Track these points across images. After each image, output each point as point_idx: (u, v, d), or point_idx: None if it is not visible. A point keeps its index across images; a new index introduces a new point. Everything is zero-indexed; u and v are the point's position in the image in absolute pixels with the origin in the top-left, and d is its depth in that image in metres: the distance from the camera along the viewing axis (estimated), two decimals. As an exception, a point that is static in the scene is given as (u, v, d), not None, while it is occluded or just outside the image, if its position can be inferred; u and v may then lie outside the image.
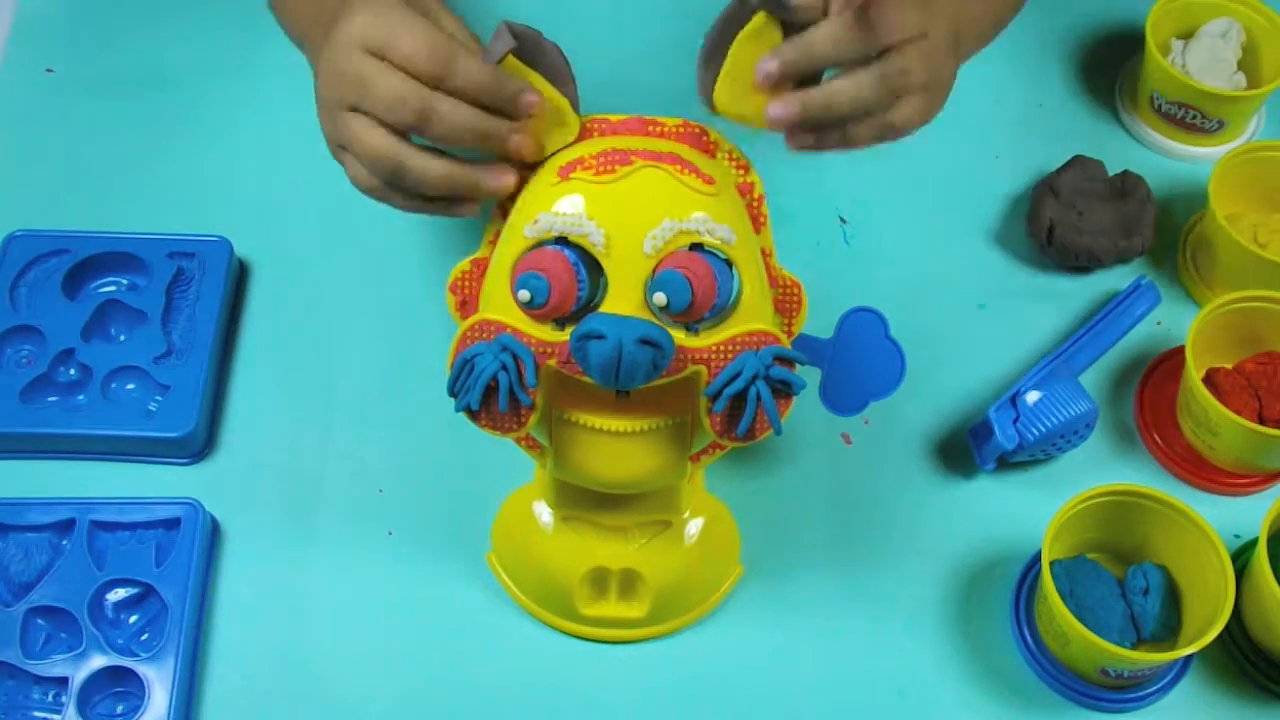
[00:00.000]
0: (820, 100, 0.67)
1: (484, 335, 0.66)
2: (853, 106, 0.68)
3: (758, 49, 0.67)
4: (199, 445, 0.84)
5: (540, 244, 0.66)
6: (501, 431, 0.67)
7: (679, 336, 0.65)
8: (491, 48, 0.66)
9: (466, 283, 0.71)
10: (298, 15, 0.80)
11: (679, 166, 0.66)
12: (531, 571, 0.79)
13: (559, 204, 0.66)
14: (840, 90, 0.68)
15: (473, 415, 0.67)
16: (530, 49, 0.67)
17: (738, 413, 0.66)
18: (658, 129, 0.69)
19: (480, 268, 0.70)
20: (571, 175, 0.66)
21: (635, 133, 0.69)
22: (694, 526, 0.77)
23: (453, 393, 0.67)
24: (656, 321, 0.65)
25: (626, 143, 0.68)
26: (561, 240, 0.66)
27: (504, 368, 0.65)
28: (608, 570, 0.76)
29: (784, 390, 0.66)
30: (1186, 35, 0.99)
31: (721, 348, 0.66)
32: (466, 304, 0.71)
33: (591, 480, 0.70)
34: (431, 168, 0.67)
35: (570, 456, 0.69)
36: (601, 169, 0.66)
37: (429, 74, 0.65)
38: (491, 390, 0.66)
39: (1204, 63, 0.97)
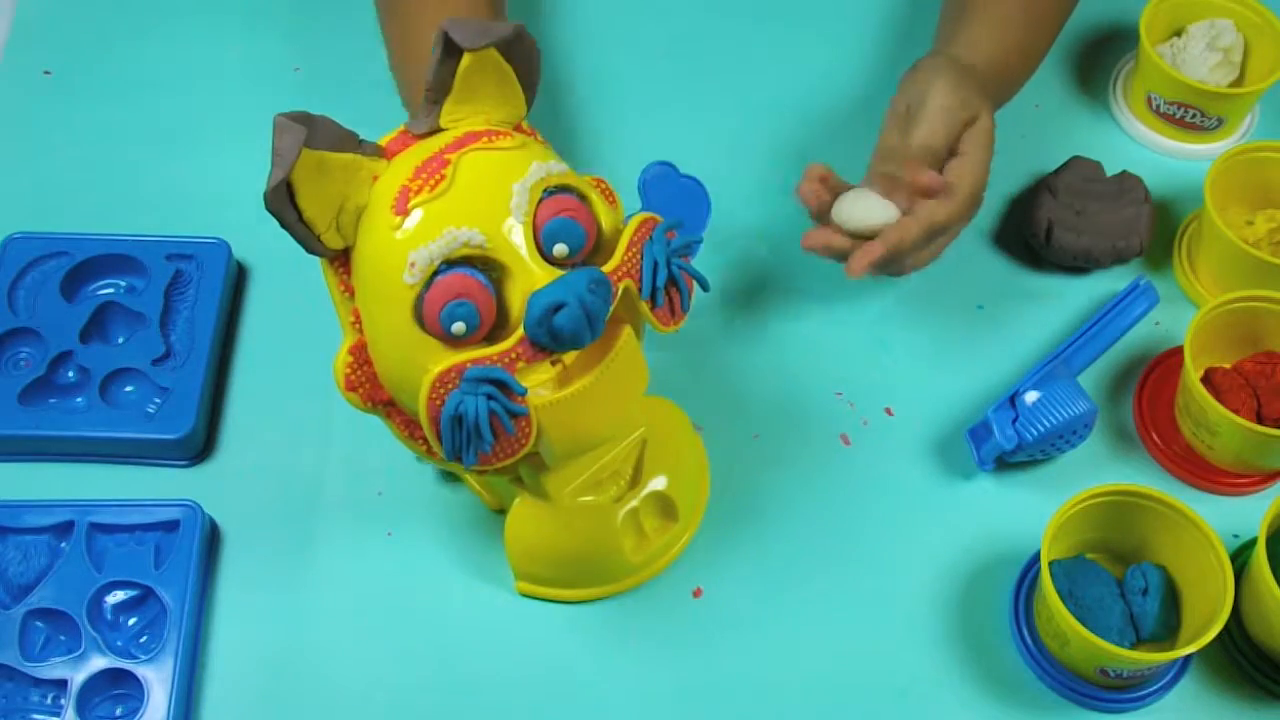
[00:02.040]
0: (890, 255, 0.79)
1: (450, 386, 0.65)
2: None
3: None
4: (198, 447, 0.84)
5: (429, 280, 0.64)
6: (513, 455, 0.67)
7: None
8: (475, 37, 0.65)
9: (357, 373, 0.69)
10: (390, 58, 0.86)
11: (485, 139, 0.67)
12: (573, 568, 0.79)
13: (418, 236, 0.64)
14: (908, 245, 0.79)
15: (485, 459, 0.66)
16: (508, 44, 0.67)
17: (674, 297, 0.69)
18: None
19: (361, 353, 0.69)
20: (409, 206, 0.65)
21: (410, 144, 0.68)
22: (651, 415, 0.78)
23: (457, 456, 0.66)
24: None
25: (423, 150, 0.67)
26: (447, 264, 0.65)
27: (490, 397, 0.65)
28: (635, 509, 0.77)
29: (689, 253, 0.70)
30: (1180, 33, 0.99)
31: (630, 257, 0.68)
32: (369, 394, 0.70)
33: (598, 436, 0.71)
34: None
35: (569, 429, 0.69)
36: (430, 182, 0.65)
37: None
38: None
39: (1198, 61, 0.97)
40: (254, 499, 0.83)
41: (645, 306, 0.69)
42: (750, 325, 0.89)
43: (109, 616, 0.78)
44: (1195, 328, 0.83)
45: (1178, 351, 0.87)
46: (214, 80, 1.01)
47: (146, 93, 1.00)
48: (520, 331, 0.65)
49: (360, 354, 0.69)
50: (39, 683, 0.75)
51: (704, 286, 0.71)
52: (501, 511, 0.80)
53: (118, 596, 0.78)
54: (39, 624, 0.77)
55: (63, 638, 0.77)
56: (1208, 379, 0.85)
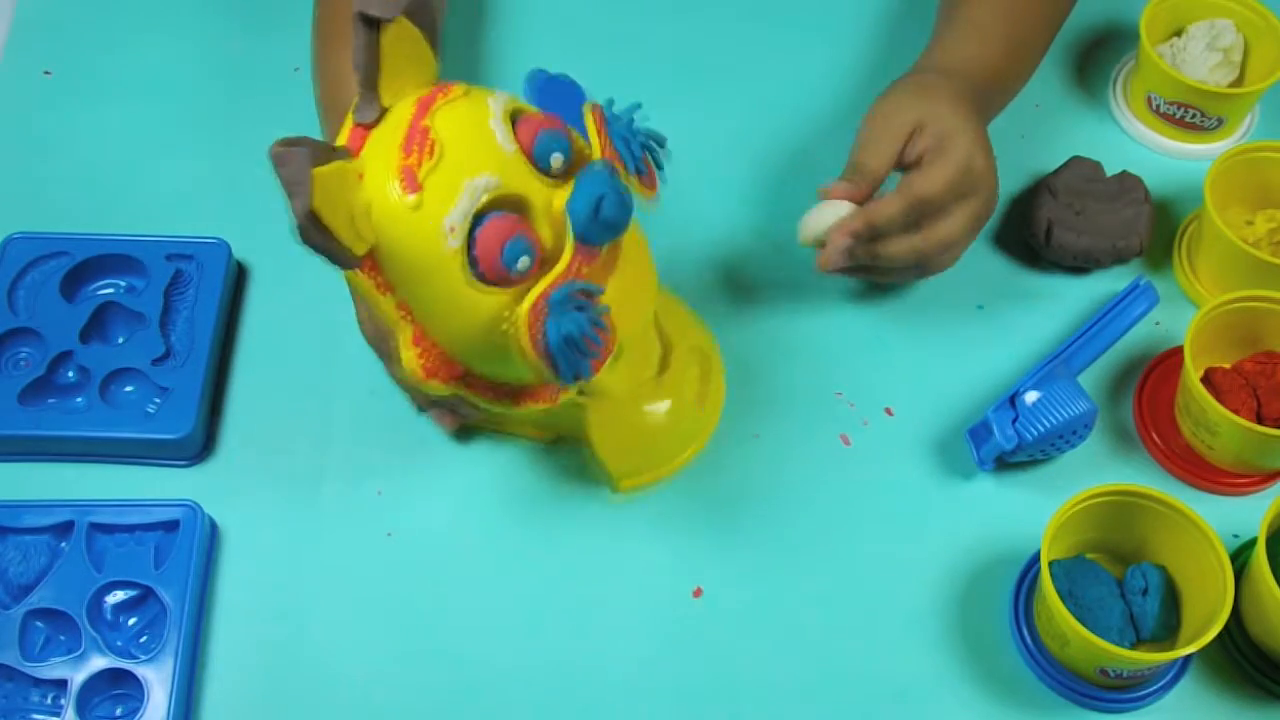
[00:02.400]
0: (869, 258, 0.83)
1: (541, 316, 0.66)
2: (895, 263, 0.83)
3: None
4: (198, 447, 0.84)
5: (470, 238, 0.66)
6: (610, 353, 0.69)
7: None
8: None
9: (429, 360, 0.70)
10: (317, 96, 0.86)
11: (438, 97, 0.67)
12: (658, 444, 0.83)
13: (440, 203, 0.65)
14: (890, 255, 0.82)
15: (596, 365, 0.69)
16: (417, 6, 0.67)
17: (647, 169, 0.72)
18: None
19: (424, 340, 0.69)
20: (417, 180, 0.65)
21: (365, 135, 0.68)
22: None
23: (576, 375, 0.68)
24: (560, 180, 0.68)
25: (390, 133, 0.67)
26: (475, 218, 0.66)
27: (580, 309, 0.67)
28: (677, 370, 0.83)
29: (635, 116, 0.72)
30: (1180, 33, 1.00)
31: (603, 141, 0.70)
32: (447, 374, 0.71)
33: (646, 316, 0.77)
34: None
35: (627, 316, 0.72)
36: (425, 153, 0.66)
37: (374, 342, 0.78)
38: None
39: (1198, 60, 0.97)
40: (254, 499, 0.83)
41: (634, 181, 0.71)
42: (750, 325, 0.89)
43: (109, 616, 0.78)
44: (1195, 328, 0.83)
45: (1178, 351, 0.87)
46: (214, 80, 1.01)
47: (146, 93, 1.00)
48: (570, 244, 0.67)
49: (423, 341, 0.69)
50: (39, 683, 0.75)
51: (662, 145, 0.73)
52: (559, 440, 0.84)
53: (118, 596, 0.78)
54: (39, 624, 0.77)
55: (63, 638, 0.77)
56: (1208, 379, 0.85)
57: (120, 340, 0.87)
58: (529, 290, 0.66)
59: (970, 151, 0.81)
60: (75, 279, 0.88)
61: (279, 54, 1.00)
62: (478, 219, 0.66)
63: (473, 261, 0.66)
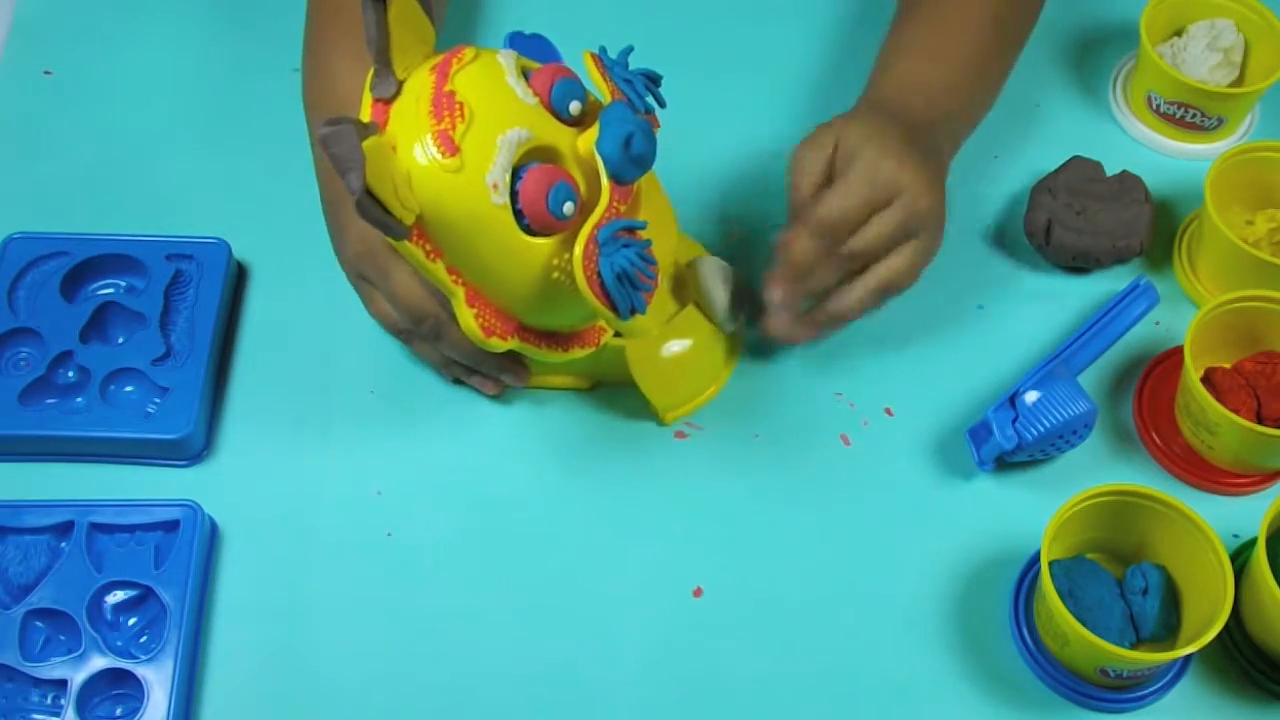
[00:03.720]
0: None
1: (593, 257, 0.68)
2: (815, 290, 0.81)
3: None
4: (198, 447, 0.84)
5: (513, 191, 0.68)
6: (658, 285, 0.72)
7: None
8: None
9: (485, 319, 0.72)
10: (307, 94, 0.87)
11: (454, 62, 0.69)
12: (697, 372, 0.85)
13: (480, 162, 0.67)
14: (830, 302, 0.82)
15: (649, 298, 0.71)
16: None
17: (649, 122, 0.73)
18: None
19: (477, 300, 0.72)
20: (454, 143, 0.67)
21: (387, 110, 0.70)
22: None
23: (632, 309, 0.70)
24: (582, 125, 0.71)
25: (414, 104, 0.68)
26: (515, 172, 0.68)
27: (626, 246, 0.69)
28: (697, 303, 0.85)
29: (626, 59, 0.75)
30: (1180, 33, 1.00)
31: (609, 85, 0.73)
32: (504, 330, 0.73)
33: (673, 248, 0.79)
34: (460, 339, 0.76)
35: (660, 250, 0.73)
36: (457, 116, 0.67)
37: (411, 321, 0.77)
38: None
39: (1198, 60, 0.97)
40: (254, 499, 0.83)
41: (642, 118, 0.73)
42: (750, 325, 0.89)
43: (109, 616, 0.78)
44: (1195, 328, 0.83)
45: (1178, 351, 0.87)
46: (214, 80, 1.01)
47: (147, 93, 1.00)
48: (607, 184, 0.69)
49: (478, 301, 0.72)
50: (39, 683, 0.75)
51: (657, 82, 0.75)
52: (599, 384, 0.86)
53: (118, 596, 0.78)
54: (39, 624, 0.77)
55: (63, 638, 0.77)
56: (1208, 379, 0.85)
57: (120, 340, 0.87)
58: (574, 235, 0.69)
59: (874, 159, 0.79)
60: (75, 279, 0.88)
61: (278, 54, 1.00)
62: (516, 172, 0.68)
63: (518, 214, 0.68)
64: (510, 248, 0.69)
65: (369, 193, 0.63)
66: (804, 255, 0.80)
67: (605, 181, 0.69)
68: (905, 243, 0.80)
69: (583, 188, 0.70)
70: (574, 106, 0.71)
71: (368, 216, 0.64)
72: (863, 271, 0.81)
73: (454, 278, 0.71)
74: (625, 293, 0.69)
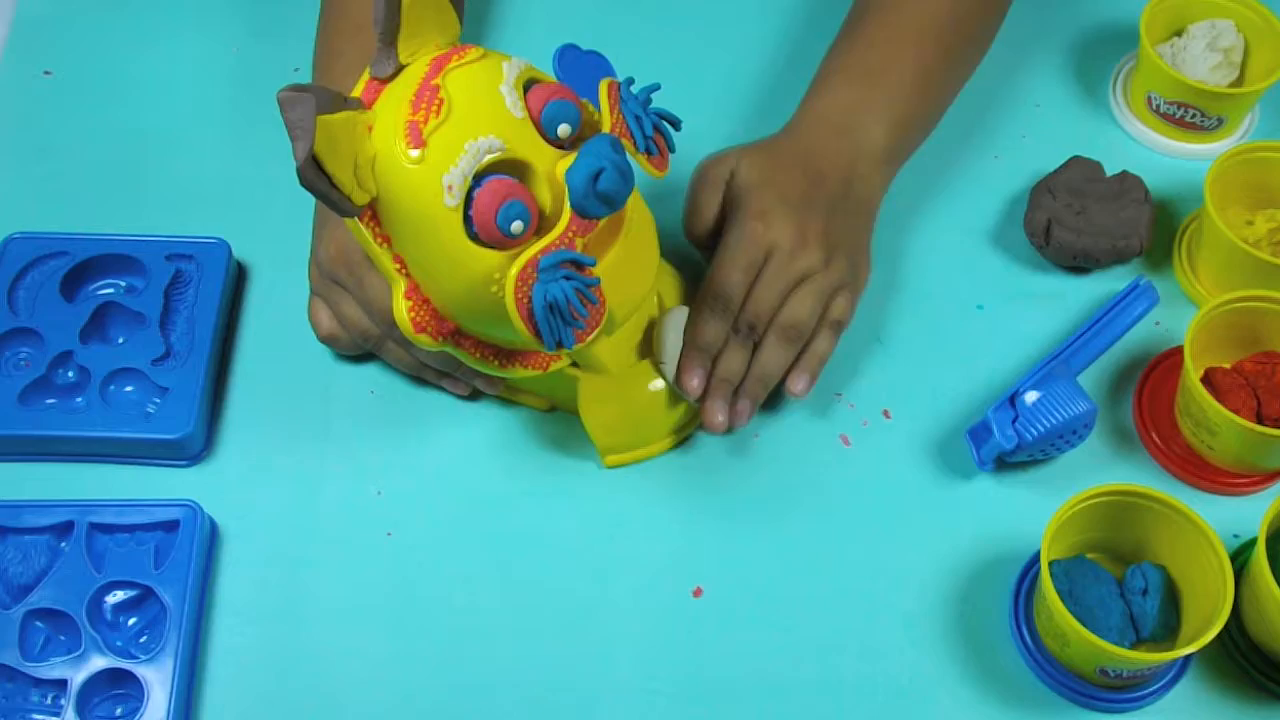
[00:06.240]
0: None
1: (529, 281, 0.67)
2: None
3: None
4: (198, 447, 0.84)
5: (469, 197, 0.67)
6: (597, 325, 0.70)
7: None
8: None
9: (420, 314, 0.71)
10: (316, 53, 0.88)
11: (454, 58, 0.68)
12: (648, 422, 0.83)
13: (442, 160, 0.66)
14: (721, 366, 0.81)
15: (580, 336, 0.70)
16: None
17: (660, 143, 0.73)
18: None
19: (416, 295, 0.71)
20: (422, 136, 0.66)
21: (380, 89, 0.69)
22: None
23: (558, 342, 0.69)
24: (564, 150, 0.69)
25: (403, 89, 0.68)
26: (476, 178, 0.67)
27: (568, 278, 0.67)
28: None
29: (651, 96, 0.74)
30: (1180, 33, 1.00)
31: (614, 117, 0.72)
32: (436, 330, 0.72)
33: (644, 290, 0.76)
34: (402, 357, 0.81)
35: (624, 291, 0.73)
36: (432, 110, 0.67)
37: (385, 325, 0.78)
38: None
39: (1198, 60, 0.97)
40: (254, 499, 0.83)
41: (642, 159, 0.73)
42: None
43: (109, 616, 0.78)
44: (1195, 328, 0.83)
45: (1178, 351, 0.87)
46: (214, 80, 1.01)
47: (146, 93, 1.00)
48: (567, 213, 0.68)
49: (416, 295, 0.71)
50: (39, 683, 0.75)
51: (676, 126, 0.74)
52: (553, 409, 0.85)
53: (118, 596, 0.78)
54: (39, 624, 0.77)
55: (63, 638, 0.77)
56: (1208, 379, 0.85)
57: (120, 340, 0.87)
58: (521, 254, 0.68)
59: (759, 209, 0.80)
60: (75, 279, 0.88)
61: (279, 54, 1.00)
62: (477, 180, 0.67)
63: (468, 221, 0.67)
64: (453, 252, 0.68)
65: (315, 162, 0.63)
66: (716, 336, 0.80)
67: (567, 210, 0.68)
68: (823, 318, 0.82)
69: (550, 211, 0.69)
70: (562, 129, 0.69)
71: (309, 186, 0.63)
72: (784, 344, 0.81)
73: (399, 267, 0.70)
74: (553, 324, 0.68)
